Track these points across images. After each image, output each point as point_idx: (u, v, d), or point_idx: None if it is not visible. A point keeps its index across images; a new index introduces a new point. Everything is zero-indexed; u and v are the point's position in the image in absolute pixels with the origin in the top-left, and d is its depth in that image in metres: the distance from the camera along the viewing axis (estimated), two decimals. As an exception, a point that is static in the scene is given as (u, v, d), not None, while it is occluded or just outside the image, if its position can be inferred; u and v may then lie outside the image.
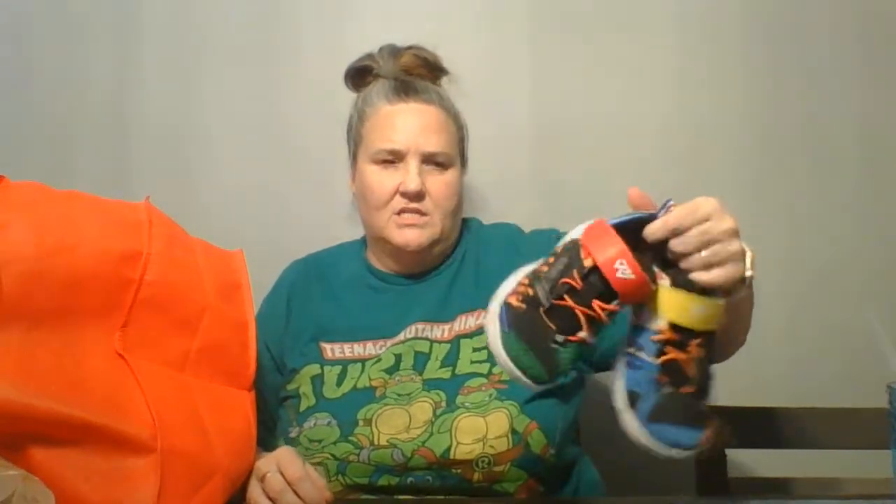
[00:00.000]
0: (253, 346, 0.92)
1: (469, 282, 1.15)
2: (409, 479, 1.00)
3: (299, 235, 1.49)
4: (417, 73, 1.19)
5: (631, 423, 0.80)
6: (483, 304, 1.03)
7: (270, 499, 0.87)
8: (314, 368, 1.09)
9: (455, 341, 1.09)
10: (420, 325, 1.11)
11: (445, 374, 1.06)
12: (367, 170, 1.14)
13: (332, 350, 1.11)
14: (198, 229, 0.97)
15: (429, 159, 1.13)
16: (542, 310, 0.78)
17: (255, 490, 0.88)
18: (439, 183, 1.13)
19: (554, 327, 0.77)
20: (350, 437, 1.01)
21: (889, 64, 1.52)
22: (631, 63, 1.52)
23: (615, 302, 0.76)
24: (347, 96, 1.51)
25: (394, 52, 1.20)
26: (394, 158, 1.12)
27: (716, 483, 1.19)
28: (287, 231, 1.49)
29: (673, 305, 0.77)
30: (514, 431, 1.00)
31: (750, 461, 1.39)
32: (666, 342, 0.77)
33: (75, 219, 0.81)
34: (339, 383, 1.07)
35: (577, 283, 0.76)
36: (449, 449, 0.98)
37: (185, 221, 0.95)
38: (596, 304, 0.76)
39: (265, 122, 1.51)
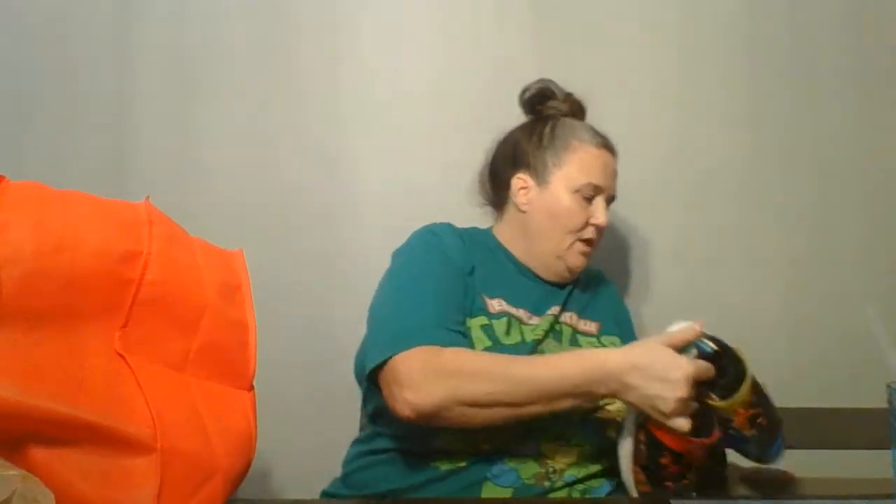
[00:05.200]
0: (253, 346, 0.92)
1: (579, 292, 1.31)
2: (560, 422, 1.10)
3: (299, 235, 1.49)
4: (578, 116, 1.35)
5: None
6: (587, 316, 1.29)
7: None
8: (482, 319, 1.18)
9: (573, 331, 1.26)
10: (556, 308, 1.25)
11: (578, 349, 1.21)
12: (565, 196, 1.26)
13: (492, 305, 1.20)
14: (198, 229, 0.97)
15: (609, 201, 1.29)
16: None
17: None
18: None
19: None
20: None
21: (890, 66, 1.53)
22: (629, 66, 1.52)
23: None
24: (348, 96, 1.51)
25: (562, 91, 1.35)
26: (593, 194, 1.26)
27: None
28: (287, 231, 1.49)
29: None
30: None
31: (750, 461, 1.39)
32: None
33: (75, 219, 0.81)
34: (508, 332, 1.17)
35: None
36: (598, 403, 1.13)
37: (185, 221, 0.95)
38: None
39: (265, 121, 1.51)
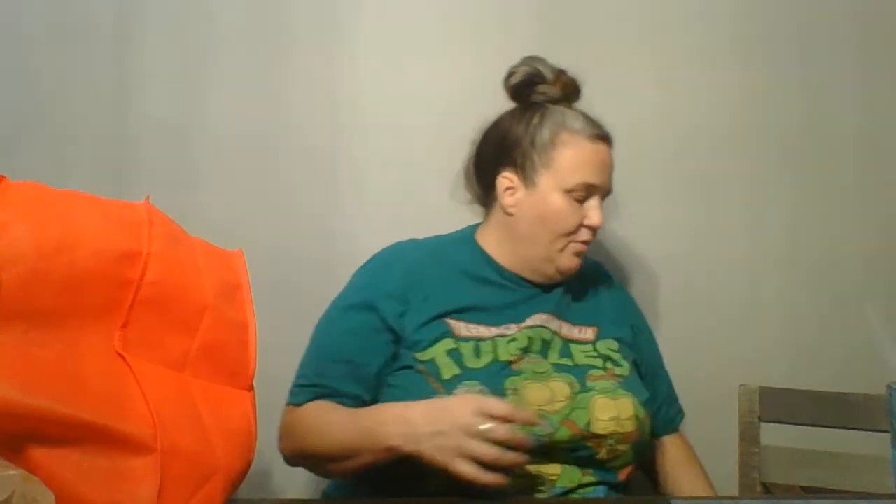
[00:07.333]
0: (253, 346, 0.92)
1: (571, 297, 1.23)
2: (548, 450, 1.07)
3: (299, 235, 1.49)
4: (572, 98, 1.24)
5: None
6: (583, 321, 1.21)
7: (499, 444, 0.92)
8: (448, 343, 1.13)
9: (565, 342, 1.18)
10: (543, 316, 1.18)
11: (567, 362, 1.16)
12: (556, 198, 1.16)
13: (458, 328, 1.15)
14: (198, 229, 0.97)
15: (604, 196, 1.20)
16: None
17: (484, 447, 0.92)
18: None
19: None
20: None
21: (889, 62, 1.53)
22: (626, 62, 1.52)
23: None
24: (348, 95, 1.51)
25: (554, 70, 1.23)
26: (587, 194, 1.17)
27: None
28: (287, 231, 1.49)
29: None
30: (636, 417, 1.12)
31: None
32: None
33: (75, 219, 0.81)
34: (478, 356, 1.12)
35: None
36: (589, 423, 1.08)
37: (185, 221, 0.95)
38: None
39: (266, 121, 1.51)
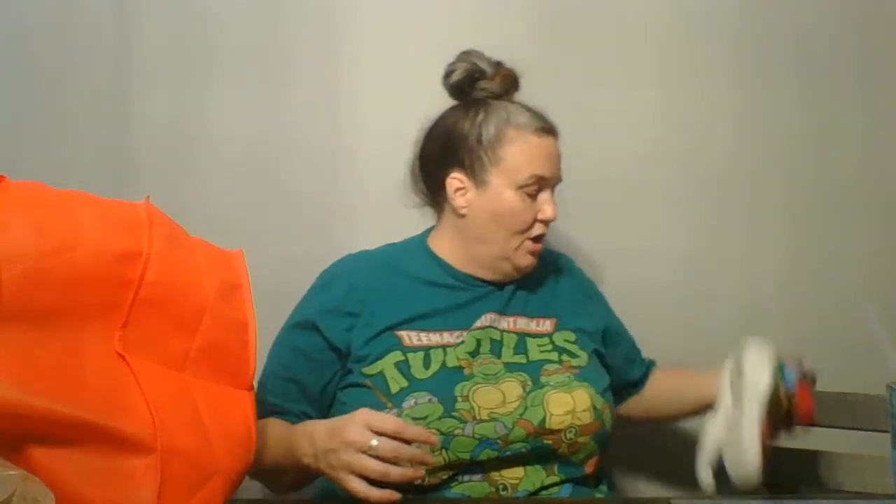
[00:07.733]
0: (253, 346, 0.92)
1: (528, 291, 1.23)
2: (507, 452, 1.07)
3: (299, 235, 1.49)
4: (512, 92, 1.23)
5: None
6: (540, 314, 1.21)
7: (387, 461, 0.91)
8: (396, 355, 1.12)
9: (521, 336, 1.18)
10: (491, 316, 1.18)
11: (521, 359, 1.15)
12: (508, 195, 1.16)
13: (409, 337, 1.14)
14: (198, 229, 0.97)
15: (554, 186, 1.19)
16: None
17: (370, 463, 0.91)
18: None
19: None
20: (453, 413, 1.07)
21: (889, 64, 1.53)
22: (622, 62, 1.52)
23: None
24: (347, 94, 1.51)
25: (492, 64, 1.22)
26: (539, 188, 1.16)
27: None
28: (287, 231, 1.49)
29: None
30: (594, 408, 1.11)
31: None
32: None
33: (75, 219, 0.81)
34: (427, 366, 1.11)
35: None
36: (544, 420, 1.08)
37: (185, 221, 0.95)
38: None
39: (266, 121, 1.51)
